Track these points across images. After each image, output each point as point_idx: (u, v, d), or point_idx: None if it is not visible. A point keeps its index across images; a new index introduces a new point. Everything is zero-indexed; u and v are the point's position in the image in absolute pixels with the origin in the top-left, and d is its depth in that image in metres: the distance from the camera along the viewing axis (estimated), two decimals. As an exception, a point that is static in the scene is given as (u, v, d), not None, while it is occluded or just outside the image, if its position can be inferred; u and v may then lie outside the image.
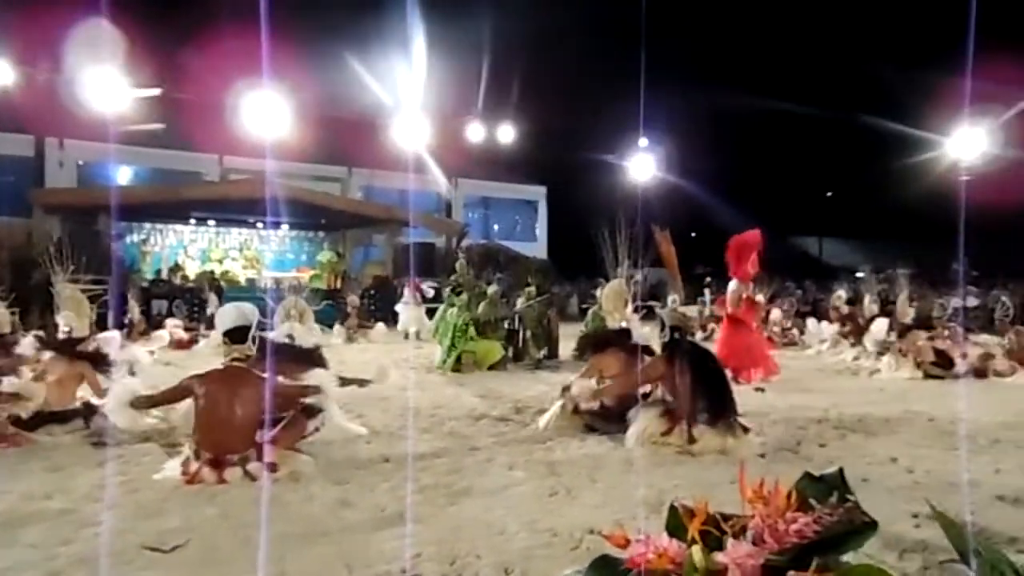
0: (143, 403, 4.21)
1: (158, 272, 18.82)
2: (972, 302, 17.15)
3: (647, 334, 5.72)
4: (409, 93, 17.02)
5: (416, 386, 7.31)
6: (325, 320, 13.32)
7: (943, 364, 8.22)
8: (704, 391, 4.45)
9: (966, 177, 17.71)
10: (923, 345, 8.54)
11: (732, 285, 7.94)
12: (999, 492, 3.52)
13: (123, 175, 21.98)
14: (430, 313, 12.10)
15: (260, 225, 21.03)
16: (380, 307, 16.83)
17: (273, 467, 3.68)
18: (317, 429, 4.30)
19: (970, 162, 18.31)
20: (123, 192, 19.19)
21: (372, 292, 17.92)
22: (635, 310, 7.34)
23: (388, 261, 20.84)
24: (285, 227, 21.68)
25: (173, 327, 11.58)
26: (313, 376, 4.54)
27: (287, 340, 4.61)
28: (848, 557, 2.46)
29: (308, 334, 4.73)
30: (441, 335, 9.17)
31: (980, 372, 7.98)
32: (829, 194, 34.48)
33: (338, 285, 18.29)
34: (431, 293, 13.83)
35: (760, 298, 13.34)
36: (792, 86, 26.93)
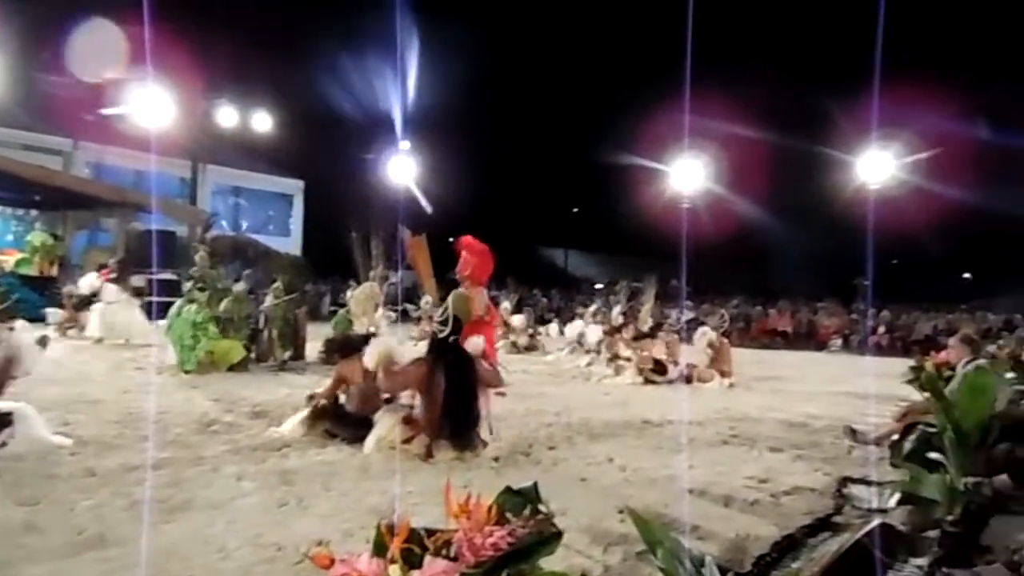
0: None
1: None
2: (688, 315, 19.47)
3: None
4: (150, 65, 15.48)
5: (140, 389, 6.63)
6: (33, 312, 11.62)
7: (659, 371, 9.27)
8: (454, 408, 4.42)
9: (686, 206, 20.20)
10: (646, 354, 9.55)
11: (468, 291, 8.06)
12: (690, 486, 4.01)
13: None
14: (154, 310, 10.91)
15: (-47, 196, 17.79)
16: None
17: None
18: (4, 443, 3.71)
19: (690, 192, 20.89)
20: None
21: (96, 282, 15.99)
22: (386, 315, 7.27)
23: (119, 248, 18.68)
24: (-15, 201, 18.56)
25: None
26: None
27: None
28: (559, 554, 2.64)
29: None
30: (176, 333, 8.41)
31: (688, 378, 9.09)
32: (576, 210, 37.26)
33: (53, 272, 16.03)
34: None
35: (507, 305, 13.99)
36: (546, 114, 28.92)
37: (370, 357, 4.78)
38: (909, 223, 19.31)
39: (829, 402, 7.98)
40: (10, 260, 16.52)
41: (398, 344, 5.42)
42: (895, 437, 4.81)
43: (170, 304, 9.23)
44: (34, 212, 19.40)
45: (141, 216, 19.27)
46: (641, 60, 26.12)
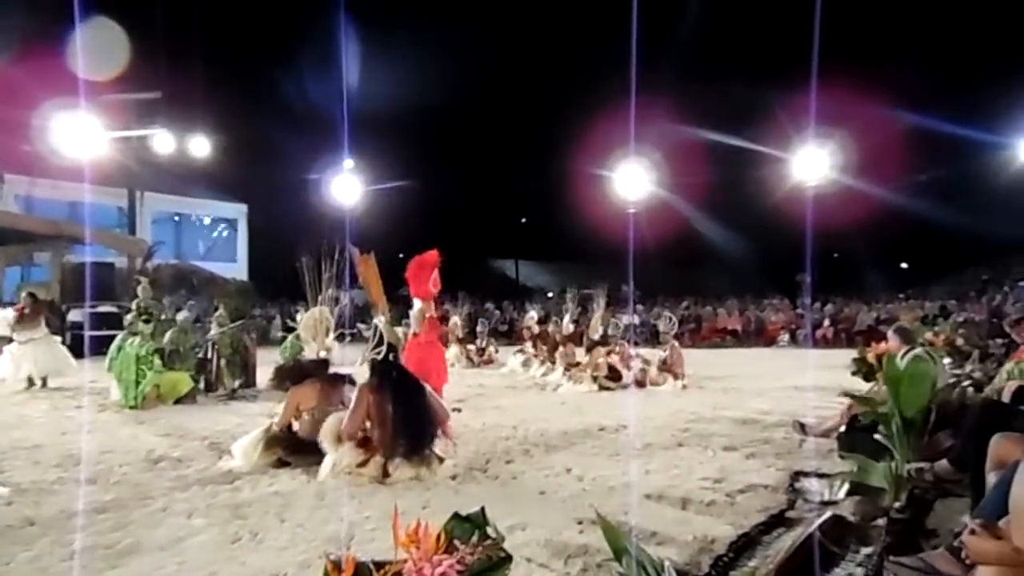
0: None
1: None
2: (637, 320, 19.68)
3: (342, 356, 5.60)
4: (81, 91, 15.03)
5: (81, 429, 6.40)
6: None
7: (614, 377, 9.33)
8: (406, 424, 4.43)
9: (632, 210, 20.45)
10: (600, 361, 9.61)
11: (416, 305, 8.11)
12: (647, 491, 4.05)
13: None
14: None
15: None
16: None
17: None
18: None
19: (636, 197, 21.15)
20: None
21: (32, 319, 15.44)
22: (338, 337, 7.16)
23: (55, 283, 18.07)
24: (-92, 241, 17.72)
25: None
26: None
27: None
28: (522, 570, 2.62)
29: None
30: (120, 368, 8.16)
31: (640, 382, 9.18)
32: (524, 220, 37.43)
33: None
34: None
35: (456, 320, 13.95)
36: (489, 126, 29.05)
37: (327, 441, 4.66)
38: (847, 218, 19.91)
39: (779, 397, 8.16)
40: (-63, 301, 15.80)
41: (353, 365, 5.38)
42: (842, 428, 4.94)
43: (111, 338, 8.95)
44: (-39, 251, 18.63)
45: (77, 248, 18.68)
46: (579, 67, 26.46)
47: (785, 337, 19.55)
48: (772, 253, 25.31)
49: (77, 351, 14.89)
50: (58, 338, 10.20)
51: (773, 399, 7.99)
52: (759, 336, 20.31)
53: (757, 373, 11.48)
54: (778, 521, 3.44)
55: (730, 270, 30.60)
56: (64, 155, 16.45)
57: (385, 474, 4.29)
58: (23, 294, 10.70)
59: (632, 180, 20.74)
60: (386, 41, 21.95)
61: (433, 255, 7.79)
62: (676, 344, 10.19)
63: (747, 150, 21.13)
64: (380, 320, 4.97)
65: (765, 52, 23.89)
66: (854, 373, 6.89)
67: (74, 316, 16.23)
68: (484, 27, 26.75)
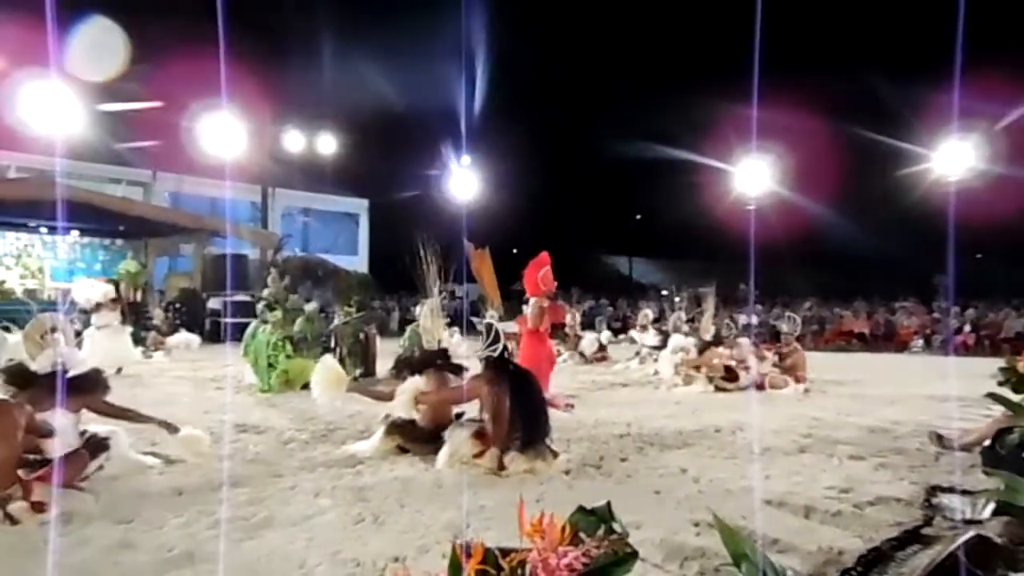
0: None
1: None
2: (756, 320, 18.98)
3: (461, 351, 5.72)
4: (221, 95, 16.12)
5: (220, 409, 6.88)
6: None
7: (730, 378, 9.06)
8: (521, 417, 4.51)
9: (751, 207, 19.77)
10: (717, 361, 9.34)
11: (531, 302, 8.26)
12: (767, 497, 3.90)
13: None
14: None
15: (44, 230, 18.89)
16: (187, 322, 15.81)
17: (40, 507, 3.29)
18: (101, 467, 3.92)
19: (756, 193, 20.43)
20: None
21: (177, 306, 16.78)
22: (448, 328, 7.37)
23: (196, 273, 19.55)
24: (75, 233, 19.63)
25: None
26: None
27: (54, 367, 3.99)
28: (636, 570, 2.60)
29: (74, 356, 4.18)
30: (254, 354, 8.73)
31: (760, 385, 8.86)
32: (638, 217, 36.94)
33: (138, 298, 16.82)
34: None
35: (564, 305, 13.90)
36: (607, 121, 28.83)
37: (401, 406, 4.98)
38: (993, 215, 18.38)
39: (912, 406, 7.65)
40: (99, 288, 17.33)
41: (466, 359, 5.50)
42: (987, 443, 4.58)
43: (247, 325, 9.58)
44: (119, 242, 20.46)
45: (216, 241, 20.11)
46: (703, 61, 25.77)
47: (919, 342, 18.32)
48: (906, 253, 23.73)
49: (215, 336, 16.11)
50: (129, 329, 10.43)
51: (906, 407, 7.51)
52: (889, 341, 19.14)
53: (887, 379, 10.82)
54: (913, 537, 3.24)
55: (858, 271, 28.95)
56: (208, 154, 17.72)
57: (500, 466, 4.36)
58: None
59: (753, 176, 20.04)
60: (506, 38, 22.18)
61: (543, 257, 8.10)
62: (798, 346, 9.77)
63: (882, 144, 19.95)
64: (494, 317, 5.08)
65: (898, 40, 22.45)
66: (1001, 384, 6.35)
67: (213, 304, 17.51)
68: (605, 21, 26.56)
